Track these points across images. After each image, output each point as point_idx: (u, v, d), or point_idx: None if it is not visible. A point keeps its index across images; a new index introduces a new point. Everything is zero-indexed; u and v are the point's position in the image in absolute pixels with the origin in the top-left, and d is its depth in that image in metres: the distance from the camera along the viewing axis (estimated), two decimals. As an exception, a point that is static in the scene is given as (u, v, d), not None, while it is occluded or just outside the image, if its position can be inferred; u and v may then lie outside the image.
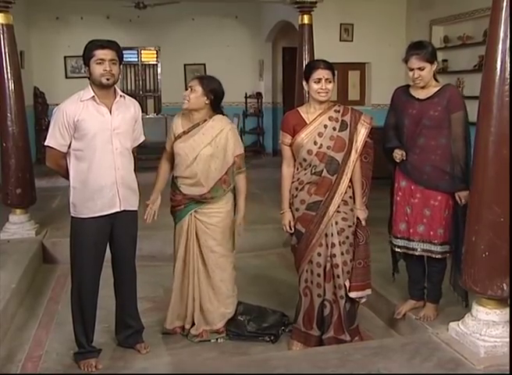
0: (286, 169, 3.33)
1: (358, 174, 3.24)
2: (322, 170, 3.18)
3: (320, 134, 3.18)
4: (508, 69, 2.62)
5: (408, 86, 3.35)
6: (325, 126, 3.19)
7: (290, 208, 3.30)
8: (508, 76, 2.62)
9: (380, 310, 3.71)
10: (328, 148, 3.17)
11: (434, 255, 3.28)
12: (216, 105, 3.42)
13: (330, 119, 3.20)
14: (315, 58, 5.66)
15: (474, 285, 2.81)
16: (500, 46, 2.63)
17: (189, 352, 3.37)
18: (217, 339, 3.50)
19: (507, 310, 2.86)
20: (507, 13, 2.59)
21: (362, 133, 3.21)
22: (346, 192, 3.21)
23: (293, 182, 3.29)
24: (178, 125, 3.45)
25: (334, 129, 3.19)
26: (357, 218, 3.26)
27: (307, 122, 3.22)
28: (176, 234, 3.54)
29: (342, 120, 3.20)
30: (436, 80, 3.27)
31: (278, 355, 3.14)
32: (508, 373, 2.63)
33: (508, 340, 2.78)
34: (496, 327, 2.83)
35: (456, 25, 7.44)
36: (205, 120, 3.38)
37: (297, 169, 3.28)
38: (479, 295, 2.87)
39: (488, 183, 2.72)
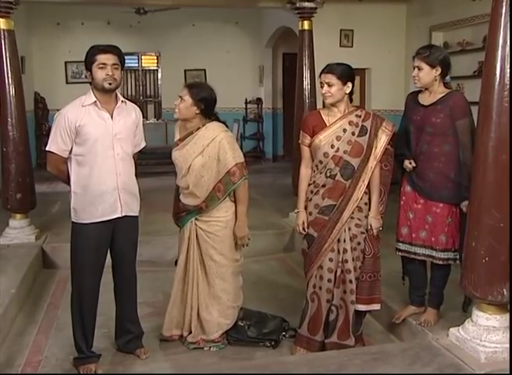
0: (304, 170, 3.32)
1: (377, 181, 3.20)
2: (336, 174, 3.16)
3: (338, 138, 3.16)
4: (507, 75, 2.62)
5: (419, 92, 3.35)
6: (344, 130, 3.16)
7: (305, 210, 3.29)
8: (507, 82, 2.62)
9: (380, 315, 3.69)
10: (344, 152, 3.15)
11: (435, 261, 3.29)
12: (208, 112, 3.34)
13: (350, 123, 3.17)
14: (315, 64, 5.70)
15: (474, 290, 2.80)
16: (500, 52, 2.63)
17: (189, 358, 3.37)
18: (210, 347, 3.46)
19: (507, 316, 2.86)
20: (506, 19, 2.60)
21: (383, 140, 3.17)
22: (361, 198, 3.18)
23: (309, 185, 3.27)
24: (176, 132, 3.44)
25: (353, 134, 3.16)
26: (370, 226, 3.21)
27: (327, 124, 3.20)
28: (178, 240, 3.52)
29: (362, 125, 3.16)
30: (447, 87, 3.25)
31: (278, 360, 3.14)
32: (508, 378, 2.63)
33: (508, 345, 2.78)
34: (497, 333, 2.83)
35: (455, 31, 7.46)
36: (198, 128, 3.32)
37: (314, 171, 3.26)
38: (479, 301, 2.87)
39: (487, 188, 2.72)
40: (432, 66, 3.17)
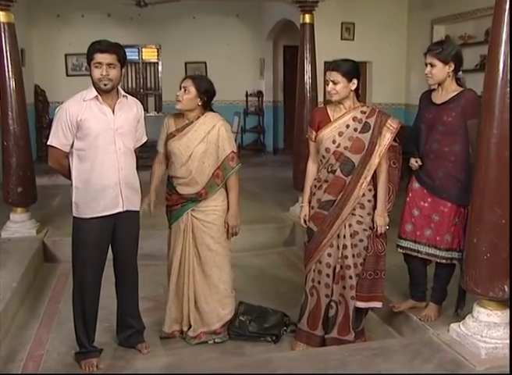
0: (310, 165, 3.37)
1: (383, 179, 3.18)
2: (336, 170, 3.16)
3: (340, 134, 3.16)
4: (510, 71, 2.61)
5: (433, 90, 3.33)
6: (347, 126, 3.16)
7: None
8: (510, 78, 2.61)
9: (380, 310, 3.69)
10: (345, 148, 3.14)
11: (439, 260, 3.29)
12: (208, 105, 3.42)
13: (354, 119, 3.16)
14: (316, 57, 5.68)
15: (475, 287, 2.81)
16: (503, 48, 2.63)
17: (190, 352, 3.37)
18: (214, 340, 3.48)
19: (508, 312, 2.86)
20: (509, 15, 2.59)
21: (387, 137, 3.13)
22: (364, 195, 3.16)
23: (314, 179, 3.30)
24: (170, 124, 3.43)
25: (355, 130, 3.14)
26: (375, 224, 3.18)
27: (332, 119, 3.21)
28: (171, 234, 3.52)
29: (365, 122, 3.15)
30: (460, 85, 3.23)
31: (279, 356, 3.14)
32: (509, 374, 2.63)
33: (509, 341, 2.79)
34: (497, 329, 2.84)
35: (457, 24, 7.43)
36: (198, 117, 3.38)
37: (319, 166, 3.29)
38: (480, 297, 2.87)
39: (489, 184, 2.72)
40: (445, 63, 3.15)
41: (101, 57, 2.96)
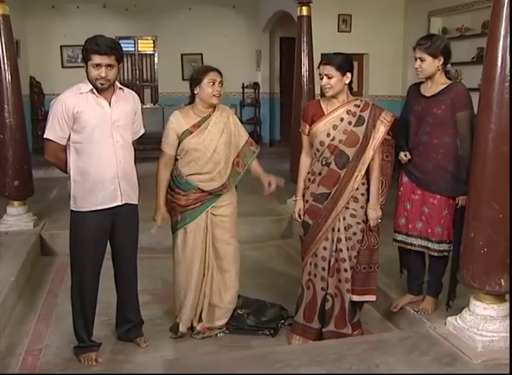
0: (303, 158, 3.36)
1: (376, 172, 3.18)
2: (331, 162, 3.16)
3: (335, 127, 3.15)
4: (508, 66, 2.61)
5: (421, 83, 3.33)
6: (342, 120, 3.15)
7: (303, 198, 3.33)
8: (508, 74, 2.62)
9: (378, 303, 3.70)
10: (340, 141, 3.13)
11: (431, 252, 3.31)
12: None
13: (348, 112, 3.15)
14: (314, 49, 5.66)
15: (472, 281, 2.83)
16: (501, 43, 2.63)
17: (189, 346, 3.38)
18: (216, 334, 3.49)
19: (505, 305, 2.89)
20: (508, 10, 2.59)
21: (381, 130, 3.12)
22: (357, 189, 3.16)
23: (308, 173, 3.30)
24: (180, 122, 3.32)
25: (349, 123, 3.14)
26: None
27: (325, 113, 3.20)
28: (186, 236, 3.41)
29: (359, 115, 3.14)
30: (449, 79, 3.24)
31: (277, 349, 3.15)
32: (505, 368, 2.65)
33: (505, 335, 2.82)
34: (494, 322, 2.86)
35: (454, 16, 7.43)
36: (214, 110, 3.37)
37: (312, 159, 3.29)
38: (477, 291, 2.89)
39: (487, 179, 2.73)
40: (435, 57, 3.15)
41: (100, 59, 2.92)
